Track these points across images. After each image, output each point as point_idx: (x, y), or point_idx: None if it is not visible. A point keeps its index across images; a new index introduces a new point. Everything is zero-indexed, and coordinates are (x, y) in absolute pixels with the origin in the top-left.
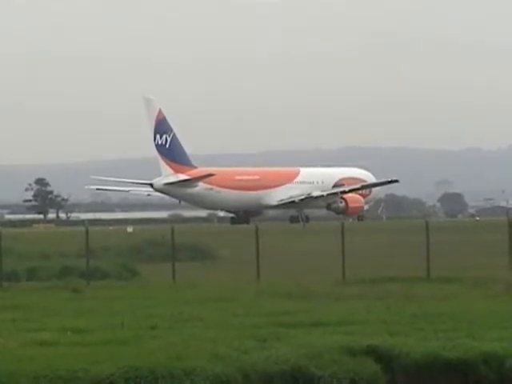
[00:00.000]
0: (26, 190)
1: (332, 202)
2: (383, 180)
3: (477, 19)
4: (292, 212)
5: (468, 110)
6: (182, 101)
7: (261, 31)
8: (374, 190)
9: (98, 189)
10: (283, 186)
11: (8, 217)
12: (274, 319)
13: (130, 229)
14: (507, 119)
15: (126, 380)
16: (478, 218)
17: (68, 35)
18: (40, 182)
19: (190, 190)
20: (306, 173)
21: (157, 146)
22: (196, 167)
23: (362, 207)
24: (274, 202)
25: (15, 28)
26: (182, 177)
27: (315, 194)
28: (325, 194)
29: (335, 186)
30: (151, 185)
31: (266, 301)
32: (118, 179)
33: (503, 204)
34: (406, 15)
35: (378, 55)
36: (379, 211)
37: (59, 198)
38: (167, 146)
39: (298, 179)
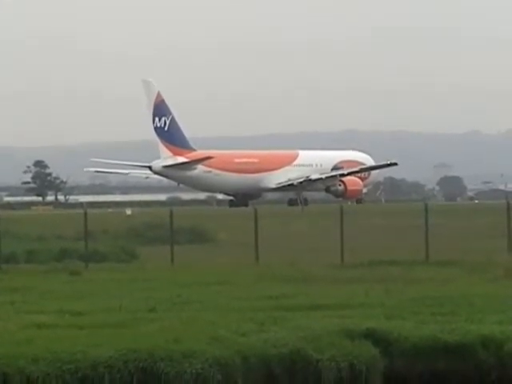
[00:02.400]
0: (25, 172)
1: (331, 184)
2: (382, 163)
3: (476, 11)
4: (291, 195)
5: (467, 94)
6: (182, 84)
7: (262, 18)
8: (373, 172)
9: (96, 171)
10: (282, 169)
11: (7, 199)
12: (272, 302)
13: (128, 211)
14: (506, 103)
15: (124, 363)
16: (476, 201)
17: (67, 29)
18: (39, 164)
19: (188, 173)
20: (304, 156)
21: (155, 128)
22: (195, 150)
23: (361, 190)
24: (272, 184)
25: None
26: (181, 159)
27: (314, 176)
28: (323, 176)
29: (334, 168)
30: (150, 167)
31: (264, 284)
32: (116, 162)
33: (502, 187)
34: (407, 7)
35: (378, 44)
36: (378, 194)
37: (58, 181)
38: (166, 128)
39: (296, 162)
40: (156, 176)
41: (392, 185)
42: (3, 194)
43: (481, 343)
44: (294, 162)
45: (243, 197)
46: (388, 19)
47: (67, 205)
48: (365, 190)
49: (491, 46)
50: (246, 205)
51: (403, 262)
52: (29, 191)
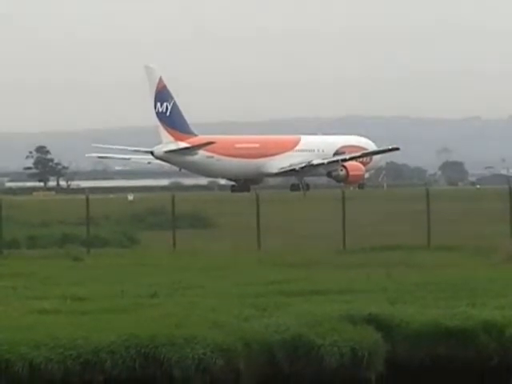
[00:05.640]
0: (27, 157)
1: (333, 169)
2: (384, 148)
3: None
4: (292, 180)
5: (468, 79)
6: (183, 71)
7: (258, 8)
8: (375, 157)
9: (98, 157)
10: (284, 154)
11: (8, 184)
12: (274, 287)
13: (130, 197)
14: (507, 88)
15: (126, 348)
16: (478, 186)
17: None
18: (40, 149)
19: (190, 158)
20: (306, 141)
21: (157, 113)
22: (196, 135)
23: (363, 175)
24: (274, 169)
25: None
26: (183, 144)
27: (316, 161)
28: (325, 161)
29: (336, 153)
30: (152, 152)
31: (266, 269)
32: (118, 147)
33: (503, 172)
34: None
35: (379, 31)
36: (380, 179)
37: (60, 166)
38: (168, 113)
39: (298, 147)
40: (158, 161)
41: (394, 170)
42: (5, 179)
43: (482, 328)
44: (296, 147)
45: (245, 182)
46: (388, 12)
47: (69, 190)
48: (367, 175)
49: (493, 33)
50: (248, 190)
51: (405, 247)
52: (30, 177)
